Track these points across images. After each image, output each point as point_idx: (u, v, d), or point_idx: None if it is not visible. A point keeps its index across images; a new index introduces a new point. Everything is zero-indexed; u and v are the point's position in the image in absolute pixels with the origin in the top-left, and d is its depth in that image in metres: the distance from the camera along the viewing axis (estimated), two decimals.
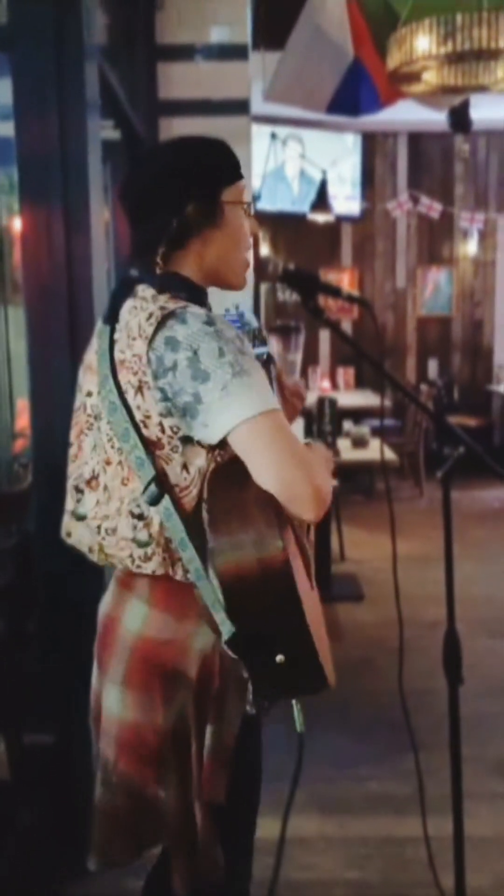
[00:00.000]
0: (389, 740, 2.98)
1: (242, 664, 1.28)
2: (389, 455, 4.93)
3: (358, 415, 6.55)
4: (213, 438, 1.26)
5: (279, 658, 1.23)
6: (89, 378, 1.40)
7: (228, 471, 1.27)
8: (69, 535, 1.43)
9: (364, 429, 5.06)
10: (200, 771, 1.35)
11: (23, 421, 3.26)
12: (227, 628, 1.24)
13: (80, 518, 1.40)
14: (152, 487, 1.28)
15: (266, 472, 1.23)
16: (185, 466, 1.29)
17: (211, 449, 1.29)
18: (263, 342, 1.57)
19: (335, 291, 1.49)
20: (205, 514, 1.26)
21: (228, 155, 1.43)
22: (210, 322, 1.27)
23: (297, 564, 1.37)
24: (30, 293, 2.32)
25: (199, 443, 1.28)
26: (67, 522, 1.43)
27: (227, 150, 1.43)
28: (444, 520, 1.71)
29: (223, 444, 1.27)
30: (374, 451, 4.88)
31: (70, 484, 1.43)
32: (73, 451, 1.44)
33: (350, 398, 7.07)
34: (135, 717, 1.36)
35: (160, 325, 1.27)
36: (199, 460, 1.29)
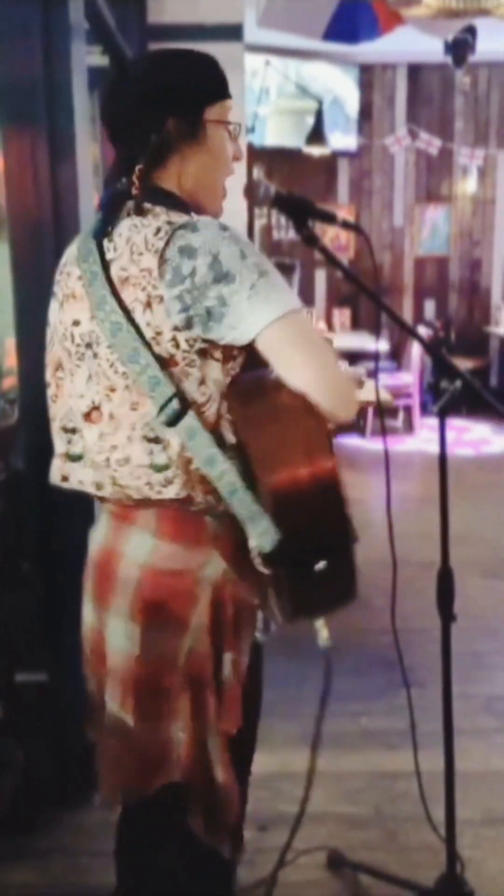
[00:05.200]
0: (382, 678, 3.00)
1: (272, 579, 1.25)
2: (386, 397, 4.88)
3: (354, 357, 6.48)
4: (243, 339, 1.24)
5: (320, 565, 1.22)
6: (73, 307, 1.34)
7: (249, 381, 1.26)
8: (65, 479, 1.38)
9: (359, 369, 5.00)
10: (216, 703, 1.33)
11: (12, 360, 3.21)
12: (268, 539, 1.22)
13: (77, 458, 1.34)
14: (173, 406, 1.23)
15: (302, 370, 1.22)
16: (202, 381, 1.25)
17: (224, 362, 1.26)
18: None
19: (329, 217, 1.44)
20: (227, 428, 1.24)
21: (215, 71, 1.37)
22: (224, 227, 1.25)
23: None
24: (14, 226, 2.24)
25: (213, 356, 1.25)
26: (62, 466, 1.38)
27: (213, 65, 1.37)
28: (440, 452, 1.68)
29: (242, 350, 1.25)
30: (370, 392, 4.82)
31: (57, 426, 1.38)
32: (51, 391, 1.39)
33: (346, 340, 6.98)
34: (145, 651, 1.33)
35: (171, 236, 1.23)
36: (216, 374, 1.26)
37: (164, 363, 1.24)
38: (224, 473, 1.23)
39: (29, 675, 2.32)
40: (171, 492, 1.28)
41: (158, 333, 1.24)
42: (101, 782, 1.41)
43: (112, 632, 1.36)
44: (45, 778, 2.29)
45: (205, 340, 1.24)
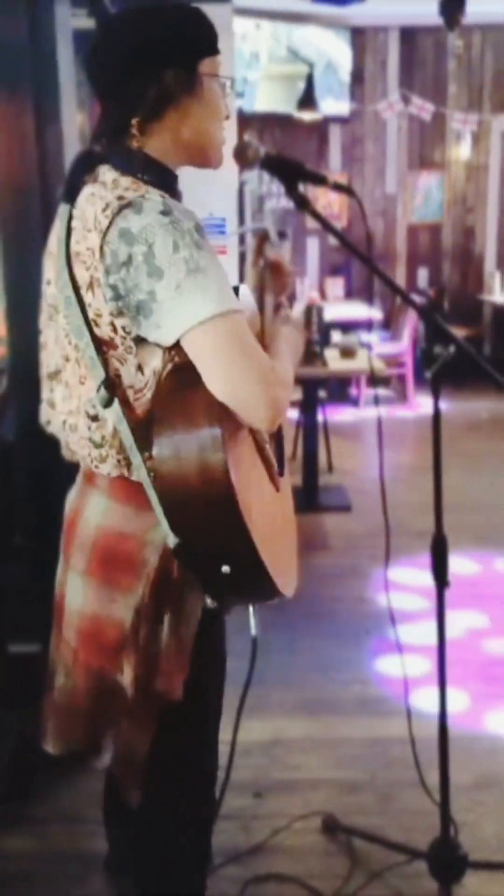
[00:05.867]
0: (376, 645, 3.02)
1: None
2: (378, 365, 4.86)
3: (347, 326, 6.45)
4: (167, 341, 1.21)
5: (225, 569, 1.23)
6: (48, 264, 1.34)
7: (181, 374, 1.23)
8: (49, 422, 1.41)
9: (352, 338, 4.97)
10: (151, 664, 1.34)
11: (2, 329, 3.18)
12: (171, 539, 1.24)
13: (53, 406, 1.38)
14: (103, 390, 1.24)
15: (216, 378, 1.19)
16: (140, 368, 1.24)
17: (168, 350, 1.23)
18: (263, 217, 1.49)
19: (320, 179, 1.41)
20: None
21: (207, 24, 1.33)
22: (166, 211, 1.20)
23: (254, 472, 1.34)
24: (1, 194, 2.21)
25: (155, 343, 1.23)
26: (46, 410, 1.41)
27: (205, 19, 1.33)
28: (433, 419, 1.67)
29: (178, 345, 1.22)
30: (362, 360, 4.81)
31: (43, 372, 1.40)
32: (42, 338, 1.39)
33: (339, 309, 6.94)
34: (95, 607, 1.36)
35: (115, 215, 1.20)
36: (155, 361, 1.24)
37: (104, 345, 1.24)
38: (139, 467, 1.25)
39: (22, 647, 2.32)
40: (105, 469, 1.30)
41: (98, 315, 1.23)
42: (47, 731, 1.43)
43: (69, 586, 1.40)
44: (37, 745, 2.30)
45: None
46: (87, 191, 1.27)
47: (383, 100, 7.68)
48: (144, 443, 1.23)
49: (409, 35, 7.61)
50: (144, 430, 1.23)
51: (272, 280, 1.57)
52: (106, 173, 1.27)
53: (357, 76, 7.64)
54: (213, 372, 1.19)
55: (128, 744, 1.37)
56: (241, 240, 3.24)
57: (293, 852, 2.08)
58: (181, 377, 1.22)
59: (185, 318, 1.18)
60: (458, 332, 7.42)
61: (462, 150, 7.80)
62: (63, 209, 1.29)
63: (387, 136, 7.83)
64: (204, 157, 1.36)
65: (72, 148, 2.27)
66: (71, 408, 1.32)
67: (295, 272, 1.56)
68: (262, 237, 1.55)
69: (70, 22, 2.46)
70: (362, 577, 3.59)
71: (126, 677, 1.34)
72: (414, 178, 7.88)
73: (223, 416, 1.18)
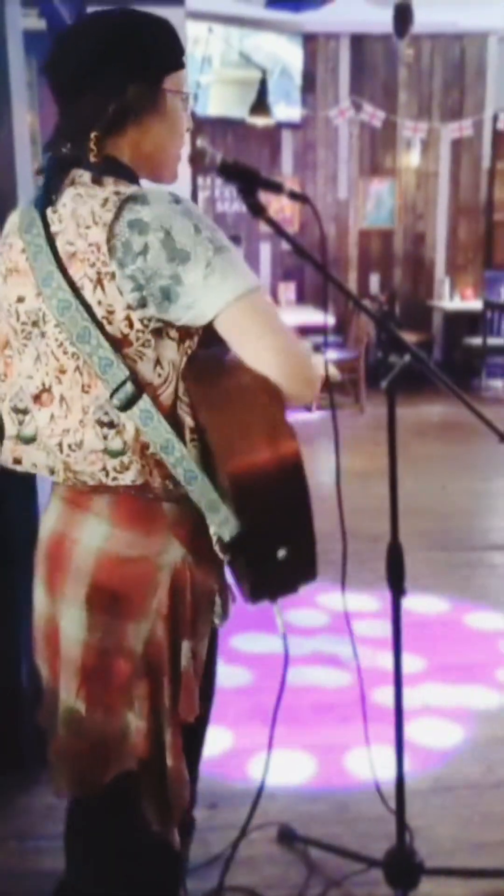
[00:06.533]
0: (331, 651, 3.02)
1: (233, 567, 1.24)
2: (332, 371, 4.88)
3: (301, 331, 6.45)
4: (201, 320, 1.19)
5: (281, 553, 1.19)
6: (17, 281, 1.26)
7: (206, 360, 1.21)
8: (17, 461, 1.32)
9: (306, 343, 4.98)
10: (172, 691, 1.29)
11: None
12: (228, 528, 1.19)
13: (29, 440, 1.28)
14: (126, 389, 1.18)
15: (262, 353, 1.18)
16: (158, 362, 1.20)
17: (181, 341, 1.21)
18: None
19: (276, 186, 1.40)
20: (185, 411, 1.20)
21: (175, 38, 1.31)
22: (177, 200, 1.19)
23: None
24: None
25: (168, 335, 1.20)
26: (14, 448, 1.31)
27: (173, 32, 1.30)
28: (389, 429, 1.67)
29: (198, 330, 1.21)
30: (318, 366, 4.81)
31: (7, 406, 1.31)
32: None
33: (292, 315, 6.96)
34: (100, 640, 1.28)
35: (121, 208, 1.17)
36: (172, 354, 1.21)
37: (117, 344, 1.18)
38: (181, 460, 1.19)
39: None
40: (128, 478, 1.22)
41: (110, 312, 1.18)
42: (54, 775, 1.37)
43: (66, 620, 1.31)
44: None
45: (160, 320, 1.19)
46: (70, 192, 1.23)
47: (335, 106, 7.74)
48: (180, 436, 1.20)
49: (360, 42, 7.68)
50: (175, 424, 1.20)
51: None
52: (83, 175, 1.24)
53: (309, 82, 7.69)
54: (255, 344, 1.19)
55: (161, 782, 1.31)
56: None
57: (249, 863, 2.06)
58: (209, 365, 1.21)
59: (221, 296, 1.17)
60: (409, 338, 7.51)
61: (412, 158, 7.90)
62: (30, 218, 1.24)
63: (339, 143, 7.89)
64: (159, 172, 1.34)
65: (23, 150, 2.23)
66: (70, 425, 1.23)
67: None
68: None
69: (20, 22, 2.42)
70: (317, 582, 3.59)
71: (138, 712, 1.28)
72: (365, 184, 7.96)
73: (271, 392, 1.18)
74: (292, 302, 7.85)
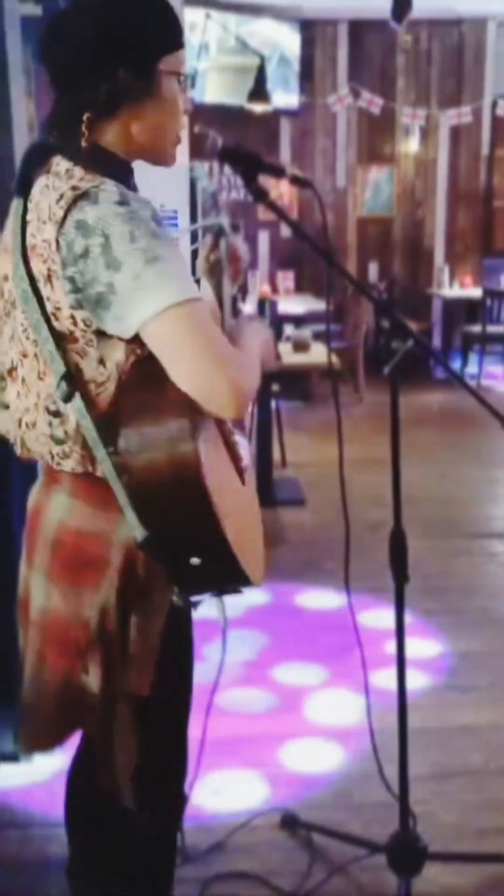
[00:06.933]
0: (332, 639, 3.02)
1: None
2: (333, 359, 4.87)
3: (299, 320, 6.45)
4: (128, 332, 1.18)
5: (194, 561, 1.21)
6: (4, 260, 1.29)
7: (145, 366, 1.20)
8: None
9: (305, 332, 4.98)
10: (125, 662, 1.33)
11: None
12: (139, 531, 1.22)
13: (5, 406, 1.34)
14: (63, 384, 1.21)
15: (179, 368, 1.16)
16: (101, 361, 1.22)
17: (130, 342, 1.20)
18: (219, 211, 1.47)
19: (279, 171, 1.39)
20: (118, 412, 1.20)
21: (171, 18, 1.29)
22: (123, 201, 1.17)
23: (221, 464, 1.32)
24: None
25: (117, 336, 1.20)
26: None
27: (170, 11, 1.29)
28: (391, 415, 1.67)
29: (139, 337, 1.19)
30: (316, 354, 4.81)
31: None
32: None
33: (291, 303, 6.94)
34: (59, 607, 1.33)
35: (70, 206, 1.17)
36: (118, 354, 1.21)
37: (63, 339, 1.21)
38: (103, 460, 1.23)
39: None
40: (68, 465, 1.27)
41: (58, 309, 1.20)
42: (19, 734, 1.42)
43: (34, 586, 1.37)
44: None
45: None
46: (41, 182, 1.24)
47: (333, 93, 7.70)
48: (109, 436, 1.20)
49: (358, 29, 7.63)
50: (108, 423, 1.20)
51: (229, 268, 1.54)
52: (60, 163, 1.24)
53: (307, 69, 7.64)
54: (174, 361, 1.16)
55: (110, 747, 1.35)
56: (195, 237, 3.21)
57: (252, 850, 2.07)
58: (144, 369, 1.20)
59: (144, 309, 1.15)
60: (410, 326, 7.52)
61: (411, 145, 7.87)
62: (17, 203, 1.26)
63: (337, 130, 7.85)
64: (158, 155, 1.33)
65: (21, 135, 2.21)
66: (28, 405, 1.29)
67: (245, 259, 1.54)
68: (217, 233, 1.53)
69: (18, 8, 2.40)
70: (320, 571, 3.59)
71: (92, 677, 1.32)
72: (364, 171, 7.92)
73: (189, 406, 1.16)
74: (291, 290, 7.82)
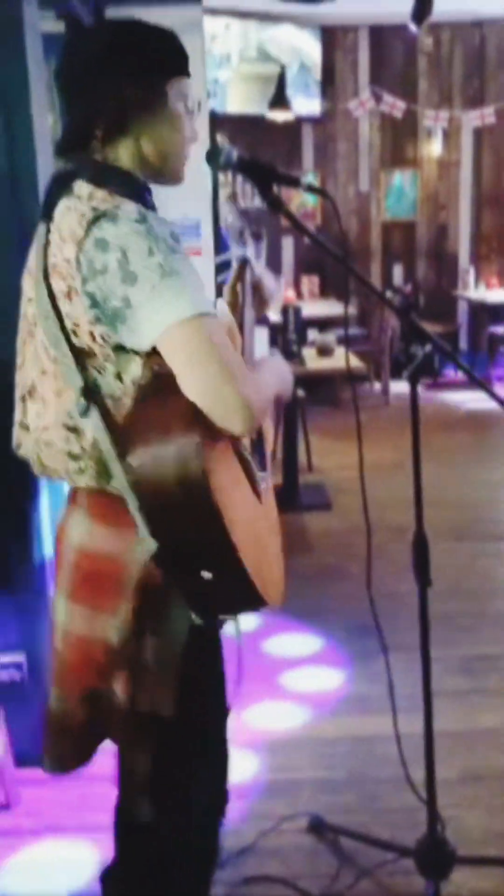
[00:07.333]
0: (360, 643, 3.02)
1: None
2: (355, 363, 4.87)
3: (324, 324, 6.45)
4: (143, 345, 1.21)
5: (206, 575, 1.22)
6: (28, 282, 1.34)
7: (158, 381, 1.22)
8: (19, 446, 1.39)
9: (329, 336, 4.98)
10: (139, 685, 1.34)
11: None
12: (150, 545, 1.23)
13: (26, 428, 1.37)
14: (81, 399, 1.24)
15: (189, 380, 1.18)
16: (119, 376, 1.24)
17: (147, 357, 1.23)
18: (244, 243, 1.51)
19: (293, 181, 1.41)
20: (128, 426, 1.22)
21: (177, 47, 1.35)
22: (142, 219, 1.20)
23: (234, 481, 1.33)
24: None
25: (133, 351, 1.23)
26: (17, 434, 1.40)
27: (176, 41, 1.35)
28: (412, 419, 1.68)
29: (157, 351, 1.21)
30: (340, 359, 4.82)
31: (17, 394, 1.39)
32: (19, 360, 1.39)
33: (315, 307, 6.95)
34: (80, 628, 1.36)
35: (91, 225, 1.20)
36: (135, 369, 1.24)
37: (82, 355, 1.24)
38: (120, 475, 1.24)
39: (9, 656, 2.31)
40: (83, 481, 1.30)
41: (77, 325, 1.23)
42: (45, 751, 1.43)
43: (58, 607, 1.40)
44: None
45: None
46: (62, 205, 1.28)
47: (354, 98, 7.70)
48: (125, 451, 1.23)
49: (379, 33, 7.63)
50: (124, 438, 1.23)
51: (254, 299, 1.59)
52: (81, 187, 1.27)
53: (328, 75, 7.65)
54: (186, 374, 1.18)
55: (129, 763, 1.38)
56: (221, 268, 3.24)
57: (280, 853, 2.08)
58: (158, 384, 1.22)
59: (160, 321, 1.18)
60: (434, 329, 7.49)
61: (434, 147, 7.84)
62: (41, 227, 1.31)
63: (359, 135, 7.85)
64: (163, 176, 1.36)
65: (44, 149, 2.25)
66: (46, 423, 1.31)
67: (271, 294, 1.60)
68: (243, 266, 1.57)
69: (39, 24, 2.44)
70: (345, 575, 3.60)
71: (118, 694, 1.34)
72: (387, 175, 7.91)
73: (201, 421, 1.18)
74: (316, 295, 7.83)
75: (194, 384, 1.18)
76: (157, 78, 1.31)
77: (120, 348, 1.23)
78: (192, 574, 1.24)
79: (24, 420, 1.36)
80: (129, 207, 1.22)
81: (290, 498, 4.55)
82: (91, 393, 1.24)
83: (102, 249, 1.19)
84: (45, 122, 2.37)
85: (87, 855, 2.05)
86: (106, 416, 1.24)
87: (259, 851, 2.08)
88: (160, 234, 1.20)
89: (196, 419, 1.17)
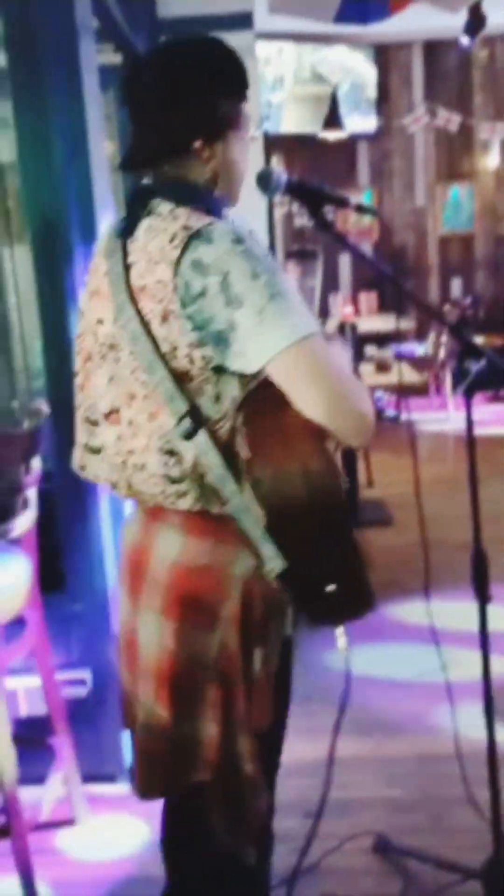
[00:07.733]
0: (420, 661, 2.99)
1: (287, 594, 1.26)
2: (413, 377, 4.85)
3: (382, 339, 6.43)
4: (251, 368, 1.20)
5: (330, 588, 1.21)
6: (98, 304, 1.32)
7: (263, 395, 1.22)
8: (83, 468, 1.39)
9: (387, 352, 4.97)
10: (246, 700, 1.31)
11: None
12: (277, 563, 1.21)
13: (96, 451, 1.34)
14: (186, 421, 1.22)
15: (311, 403, 1.18)
16: (217, 398, 1.23)
17: (246, 378, 1.22)
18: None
19: (342, 201, 1.42)
20: (242, 443, 1.21)
21: (245, 68, 1.35)
22: (239, 240, 1.19)
23: None
24: (33, 229, 2.26)
25: (231, 372, 1.22)
26: (81, 456, 1.38)
27: (240, 59, 1.35)
28: (467, 433, 1.67)
29: (260, 372, 1.20)
30: (397, 374, 4.79)
31: (80, 415, 1.38)
32: (79, 380, 1.38)
33: (373, 323, 6.94)
34: (175, 647, 1.31)
35: (185, 246, 1.19)
36: (233, 390, 1.23)
37: (180, 378, 1.22)
38: (233, 495, 1.23)
39: (72, 672, 2.35)
40: (184, 504, 1.27)
41: (174, 348, 1.21)
42: (135, 776, 1.41)
43: (144, 628, 1.36)
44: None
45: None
46: (143, 224, 1.27)
47: (409, 114, 7.70)
48: (234, 468, 1.22)
49: (432, 49, 7.63)
50: (230, 458, 1.22)
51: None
52: (160, 205, 1.27)
53: (382, 92, 7.67)
54: (302, 395, 1.18)
55: (229, 796, 1.33)
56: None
57: (345, 873, 2.06)
58: (264, 400, 1.22)
59: (271, 344, 1.17)
60: (495, 342, 7.37)
61: (490, 160, 7.78)
62: (113, 244, 1.30)
63: (414, 150, 7.84)
64: (227, 195, 1.36)
65: (100, 177, 2.31)
66: (135, 446, 1.28)
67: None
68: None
69: (95, 57, 2.52)
70: (405, 591, 3.56)
71: (212, 717, 1.31)
72: (443, 189, 7.87)
73: (318, 433, 1.19)
74: (374, 310, 7.81)
75: (312, 405, 1.18)
76: (241, 96, 1.33)
77: (219, 370, 1.22)
78: (316, 588, 1.22)
79: (91, 442, 1.35)
80: (223, 227, 1.20)
81: (351, 513, 4.53)
82: (196, 415, 1.22)
83: (201, 272, 1.17)
84: (102, 152, 2.44)
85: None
86: (212, 437, 1.22)
87: (323, 871, 2.07)
88: (258, 253, 1.19)
89: (314, 428, 1.18)
